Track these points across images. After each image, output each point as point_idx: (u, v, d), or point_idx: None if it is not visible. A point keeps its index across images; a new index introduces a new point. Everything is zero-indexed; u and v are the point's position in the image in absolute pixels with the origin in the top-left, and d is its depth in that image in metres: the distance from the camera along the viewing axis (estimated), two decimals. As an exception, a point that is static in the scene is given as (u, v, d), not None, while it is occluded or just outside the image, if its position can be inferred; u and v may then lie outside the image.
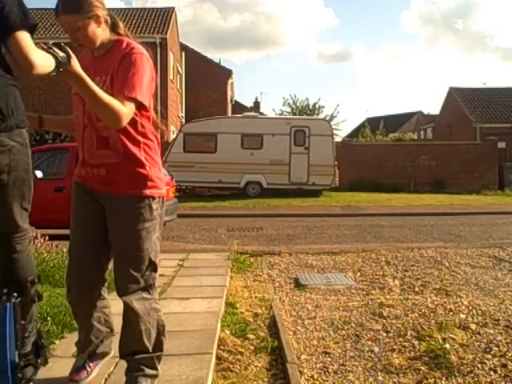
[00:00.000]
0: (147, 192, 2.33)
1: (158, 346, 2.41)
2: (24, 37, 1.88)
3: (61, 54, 1.90)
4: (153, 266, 2.37)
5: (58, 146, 12.94)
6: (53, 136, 19.29)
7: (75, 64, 1.95)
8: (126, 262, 2.32)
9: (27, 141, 2.05)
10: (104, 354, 2.62)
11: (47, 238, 4.95)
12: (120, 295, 2.33)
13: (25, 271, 2.13)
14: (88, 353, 2.51)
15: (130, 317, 2.33)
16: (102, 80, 2.22)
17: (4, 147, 1.89)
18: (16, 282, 2.08)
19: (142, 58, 2.23)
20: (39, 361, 2.26)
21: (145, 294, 2.35)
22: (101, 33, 2.26)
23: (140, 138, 2.32)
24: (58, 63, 1.88)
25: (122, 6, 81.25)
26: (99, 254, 2.42)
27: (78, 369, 2.49)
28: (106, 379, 2.57)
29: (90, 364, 2.53)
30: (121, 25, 2.37)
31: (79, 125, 2.36)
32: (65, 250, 5.13)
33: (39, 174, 8.97)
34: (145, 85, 2.20)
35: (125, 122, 2.12)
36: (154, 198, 2.36)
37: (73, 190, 2.45)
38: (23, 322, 2.11)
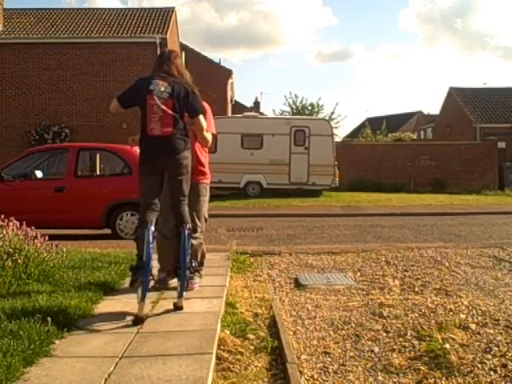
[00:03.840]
0: (205, 180, 4.53)
1: (202, 262, 4.59)
2: (202, 118, 4.05)
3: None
4: (205, 220, 4.59)
5: (58, 146, 12.95)
6: (52, 136, 19.27)
7: None
8: (194, 217, 4.29)
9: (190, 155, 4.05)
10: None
11: (47, 237, 4.93)
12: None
13: (183, 219, 3.96)
14: (167, 271, 4.37)
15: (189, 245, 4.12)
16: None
17: (187, 159, 3.94)
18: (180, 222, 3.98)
19: (209, 110, 4.41)
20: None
21: (199, 235, 4.41)
22: None
23: (204, 153, 4.52)
24: None
25: (119, 5, 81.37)
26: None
27: (162, 280, 4.41)
28: (105, 379, 2.58)
29: (168, 278, 4.41)
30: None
31: None
32: (65, 249, 5.14)
33: (39, 173, 8.96)
34: (212, 123, 4.50)
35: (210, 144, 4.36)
36: (207, 184, 4.56)
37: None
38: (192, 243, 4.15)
